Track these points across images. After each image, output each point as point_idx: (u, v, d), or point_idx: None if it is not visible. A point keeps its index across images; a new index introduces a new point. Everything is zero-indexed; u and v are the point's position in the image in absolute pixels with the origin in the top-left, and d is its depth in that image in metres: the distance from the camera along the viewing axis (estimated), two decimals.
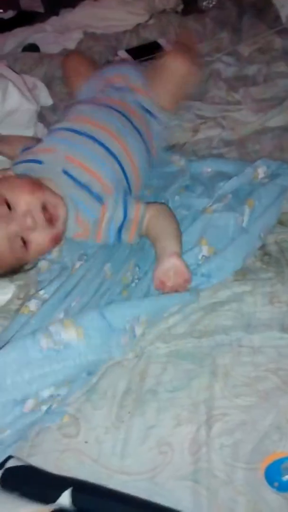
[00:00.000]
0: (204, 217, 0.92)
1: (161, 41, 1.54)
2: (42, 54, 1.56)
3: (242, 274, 0.85)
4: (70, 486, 0.54)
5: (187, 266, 0.82)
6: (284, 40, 1.47)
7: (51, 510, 0.51)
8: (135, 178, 1.01)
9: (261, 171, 1.00)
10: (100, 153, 0.96)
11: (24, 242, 0.85)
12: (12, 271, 0.90)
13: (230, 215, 0.90)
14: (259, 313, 0.76)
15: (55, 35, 1.72)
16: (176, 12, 1.82)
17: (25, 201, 0.85)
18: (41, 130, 1.22)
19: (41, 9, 2.08)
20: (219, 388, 0.68)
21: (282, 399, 0.66)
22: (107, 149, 0.97)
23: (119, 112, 1.05)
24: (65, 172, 0.93)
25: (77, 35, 1.67)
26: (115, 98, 1.10)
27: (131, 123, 1.05)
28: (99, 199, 0.93)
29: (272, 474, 0.58)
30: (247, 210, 0.91)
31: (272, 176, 0.99)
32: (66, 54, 1.49)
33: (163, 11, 1.80)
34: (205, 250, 0.87)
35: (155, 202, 0.98)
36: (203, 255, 0.87)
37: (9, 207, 0.84)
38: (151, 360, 0.74)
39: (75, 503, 0.54)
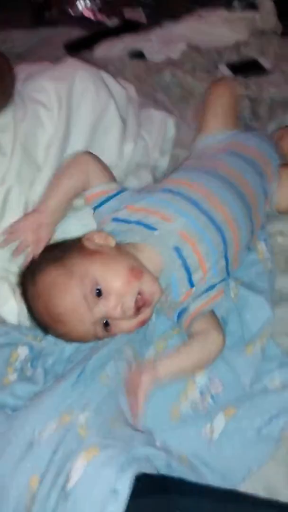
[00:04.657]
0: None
1: (262, 61, 1.63)
2: (148, 63, 1.68)
3: None
4: None
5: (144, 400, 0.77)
6: None
7: None
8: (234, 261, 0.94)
9: (278, 379, 0.80)
10: (215, 240, 0.89)
11: (107, 325, 0.81)
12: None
13: (197, 426, 0.73)
14: None
15: (160, 45, 1.84)
16: (275, 33, 1.91)
17: (118, 291, 0.78)
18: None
19: (143, 20, 2.22)
20: None
21: None
22: (222, 234, 0.89)
23: (236, 188, 0.96)
24: (177, 250, 0.86)
25: (181, 47, 1.78)
26: (236, 171, 1.00)
27: (246, 203, 0.96)
28: (192, 285, 0.86)
29: None
30: (221, 420, 0.73)
31: None
32: (216, 83, 1.32)
33: (262, 31, 1.89)
34: None
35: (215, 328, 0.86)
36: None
37: (99, 291, 0.78)
38: None
39: None
